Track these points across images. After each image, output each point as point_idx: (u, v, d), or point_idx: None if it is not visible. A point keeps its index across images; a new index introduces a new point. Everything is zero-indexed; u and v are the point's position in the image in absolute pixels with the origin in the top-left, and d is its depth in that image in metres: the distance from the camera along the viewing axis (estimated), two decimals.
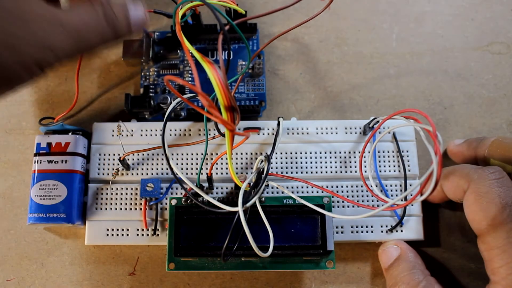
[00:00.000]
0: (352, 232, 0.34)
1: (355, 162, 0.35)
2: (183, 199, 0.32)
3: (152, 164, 0.35)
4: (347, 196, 0.35)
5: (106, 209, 0.34)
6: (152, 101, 0.36)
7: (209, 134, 0.35)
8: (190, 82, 0.39)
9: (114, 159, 0.35)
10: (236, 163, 0.35)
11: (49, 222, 0.33)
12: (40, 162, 0.34)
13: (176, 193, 0.35)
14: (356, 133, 0.36)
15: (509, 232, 0.27)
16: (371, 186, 0.33)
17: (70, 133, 0.35)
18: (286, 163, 0.35)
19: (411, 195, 0.34)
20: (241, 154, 0.35)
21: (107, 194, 0.35)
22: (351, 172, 0.35)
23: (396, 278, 0.30)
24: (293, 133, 0.36)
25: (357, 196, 0.35)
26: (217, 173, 0.35)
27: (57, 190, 0.34)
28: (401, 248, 0.32)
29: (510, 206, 0.27)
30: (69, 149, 0.34)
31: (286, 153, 0.35)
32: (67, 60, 0.26)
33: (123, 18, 0.28)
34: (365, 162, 0.35)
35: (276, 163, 0.35)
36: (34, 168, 0.34)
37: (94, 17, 0.27)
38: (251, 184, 0.32)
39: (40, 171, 0.34)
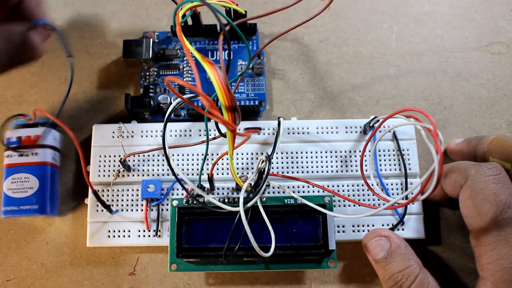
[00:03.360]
0: (353, 232, 0.34)
1: (355, 161, 0.35)
2: (184, 200, 0.32)
3: (153, 165, 0.35)
4: (348, 196, 0.35)
5: (106, 210, 0.34)
6: (152, 101, 0.36)
7: (210, 135, 0.35)
8: (190, 82, 0.39)
9: (115, 161, 0.35)
10: (237, 163, 0.35)
11: (23, 214, 0.34)
12: (11, 156, 0.34)
13: (178, 194, 0.35)
14: (356, 132, 0.36)
15: (501, 229, 0.27)
16: (372, 185, 0.33)
17: (39, 126, 0.35)
18: (287, 163, 0.35)
19: (412, 194, 0.34)
20: (242, 154, 0.35)
21: (108, 195, 0.35)
22: (351, 171, 0.35)
23: (393, 272, 0.30)
24: (293, 133, 0.36)
25: (358, 195, 0.35)
26: (218, 174, 0.35)
27: (28, 183, 0.34)
28: (391, 239, 0.31)
29: (504, 203, 0.27)
30: (39, 142, 0.35)
31: (286, 153, 0.35)
32: None
33: (3, 51, 0.29)
34: (365, 161, 0.35)
35: (277, 163, 0.35)
36: (5, 163, 0.34)
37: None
38: (252, 184, 0.32)
39: (11, 165, 0.34)
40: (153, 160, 0.35)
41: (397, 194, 0.35)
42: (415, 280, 0.29)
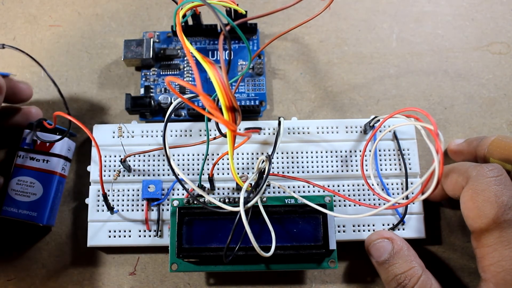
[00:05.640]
0: (354, 231, 0.34)
1: (356, 161, 0.35)
2: (184, 200, 0.32)
3: (154, 165, 0.35)
4: (349, 195, 0.35)
5: (107, 211, 0.34)
6: (152, 101, 0.36)
7: (210, 135, 0.35)
8: (190, 82, 0.39)
9: (115, 161, 0.35)
10: (237, 163, 0.35)
11: (20, 218, 0.33)
12: (22, 157, 0.34)
13: (178, 194, 0.35)
14: (356, 132, 0.36)
15: (502, 231, 0.27)
16: (373, 185, 0.33)
17: (57, 133, 0.35)
18: (287, 163, 0.35)
19: (413, 193, 0.34)
20: (242, 154, 0.35)
21: (108, 195, 0.35)
22: (352, 171, 0.35)
23: (396, 273, 0.30)
24: (293, 133, 0.36)
25: (359, 195, 0.35)
26: (218, 174, 0.35)
27: (33, 188, 0.34)
28: (393, 241, 0.31)
29: (506, 205, 0.27)
30: (53, 150, 0.34)
31: (287, 153, 0.35)
32: None
33: None
34: (366, 161, 0.35)
35: (277, 163, 0.35)
36: (15, 162, 0.34)
37: None
38: (253, 184, 0.32)
39: (19, 166, 0.34)
40: (154, 160, 0.35)
41: (398, 194, 0.35)
42: (418, 282, 0.29)
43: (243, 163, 0.35)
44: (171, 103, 0.37)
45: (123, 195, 0.35)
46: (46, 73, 0.31)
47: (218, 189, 0.35)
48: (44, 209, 0.34)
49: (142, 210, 0.34)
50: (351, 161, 0.35)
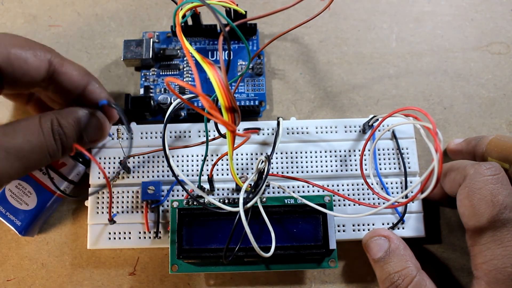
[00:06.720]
0: (354, 231, 0.34)
1: (355, 160, 0.35)
2: (184, 201, 0.32)
3: (153, 166, 0.35)
4: (348, 195, 0.35)
5: (107, 212, 0.34)
6: (152, 101, 0.36)
7: (209, 135, 0.35)
8: (190, 82, 0.39)
9: (114, 163, 0.35)
10: (237, 164, 0.35)
11: (4, 220, 0.33)
12: None
13: (178, 195, 0.35)
14: (355, 131, 0.36)
15: (496, 230, 0.27)
16: (372, 184, 0.33)
17: (76, 158, 0.35)
18: (287, 163, 0.35)
19: (412, 192, 0.34)
20: (241, 154, 0.35)
21: (108, 197, 0.35)
22: (351, 170, 0.35)
23: (390, 272, 0.30)
24: (292, 133, 0.36)
25: (358, 195, 0.35)
26: (217, 174, 0.35)
27: (28, 198, 0.34)
28: (390, 239, 0.31)
29: (501, 204, 0.27)
30: (62, 170, 0.34)
31: (286, 153, 0.35)
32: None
33: (73, 134, 0.29)
34: (365, 160, 0.35)
35: (277, 163, 0.35)
36: None
37: (40, 135, 0.27)
38: (252, 184, 0.32)
39: None
40: (153, 162, 0.35)
41: (397, 193, 0.35)
42: (412, 282, 0.29)
43: (242, 164, 0.35)
44: (170, 103, 0.37)
45: (123, 197, 0.35)
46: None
47: (218, 189, 0.35)
48: (29, 222, 0.34)
49: (142, 212, 0.34)
50: (350, 160, 0.35)
